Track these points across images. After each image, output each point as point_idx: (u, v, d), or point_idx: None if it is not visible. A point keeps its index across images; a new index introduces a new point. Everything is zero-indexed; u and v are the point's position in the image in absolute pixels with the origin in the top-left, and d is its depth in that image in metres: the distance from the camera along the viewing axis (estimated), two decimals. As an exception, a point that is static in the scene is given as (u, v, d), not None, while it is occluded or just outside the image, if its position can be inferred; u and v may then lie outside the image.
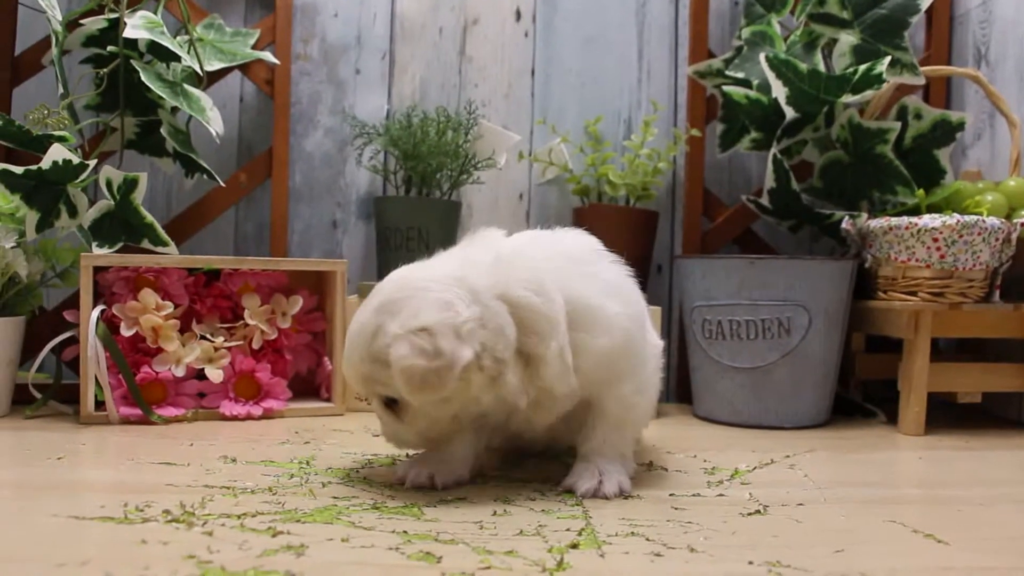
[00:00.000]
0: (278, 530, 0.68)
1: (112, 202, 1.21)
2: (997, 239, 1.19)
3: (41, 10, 1.18)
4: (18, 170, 1.12)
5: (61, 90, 1.20)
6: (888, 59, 1.25)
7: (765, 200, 1.40)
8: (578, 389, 0.80)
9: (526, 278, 0.77)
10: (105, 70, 1.24)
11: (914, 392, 1.18)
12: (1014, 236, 1.20)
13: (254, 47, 1.38)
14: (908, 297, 1.22)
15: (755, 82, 1.36)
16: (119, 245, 1.21)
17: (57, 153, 1.11)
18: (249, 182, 1.43)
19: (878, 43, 1.33)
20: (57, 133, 1.16)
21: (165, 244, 1.24)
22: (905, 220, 1.19)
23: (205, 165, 1.29)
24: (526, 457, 0.98)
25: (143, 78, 1.17)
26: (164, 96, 1.19)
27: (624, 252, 0.89)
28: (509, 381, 0.76)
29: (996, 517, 0.79)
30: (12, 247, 1.14)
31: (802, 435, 1.18)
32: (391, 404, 0.80)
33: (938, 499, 0.85)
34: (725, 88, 1.36)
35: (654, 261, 1.55)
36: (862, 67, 1.25)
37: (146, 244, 1.23)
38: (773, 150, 1.34)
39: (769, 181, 1.36)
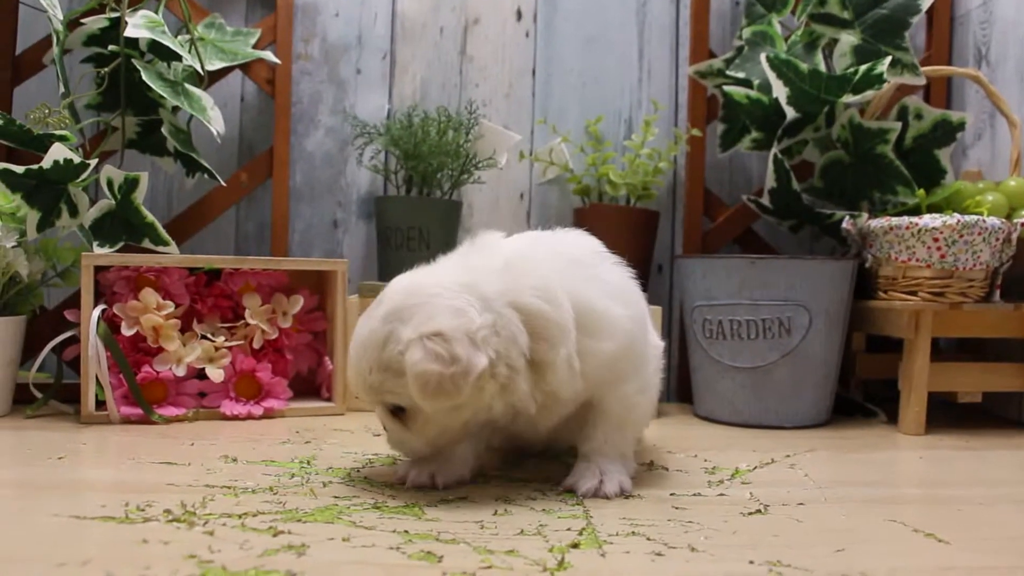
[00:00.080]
0: (279, 530, 0.68)
1: (113, 201, 1.21)
2: (997, 239, 1.19)
3: (42, 9, 1.18)
4: (19, 169, 1.12)
5: (62, 89, 1.21)
6: (889, 59, 1.25)
7: (766, 200, 1.40)
8: (583, 392, 0.81)
9: (534, 284, 0.77)
10: (106, 69, 1.24)
11: (914, 392, 1.18)
12: (1014, 236, 1.20)
13: (255, 46, 1.38)
14: (908, 297, 1.22)
15: (756, 82, 1.36)
16: (120, 244, 1.21)
17: (58, 152, 1.12)
18: (250, 182, 1.43)
19: (879, 43, 1.33)
20: (58, 132, 1.16)
21: (166, 243, 1.24)
22: (906, 220, 1.19)
23: (206, 164, 1.29)
24: (527, 457, 0.98)
25: (144, 77, 1.17)
26: (165, 95, 1.19)
27: (625, 252, 0.89)
28: (520, 388, 0.76)
29: (996, 517, 0.79)
30: (13, 246, 1.14)
31: (803, 435, 1.18)
32: (398, 412, 0.79)
33: (938, 499, 0.85)
34: (726, 88, 1.36)
35: (655, 261, 1.55)
36: (863, 67, 1.25)
37: (147, 244, 1.23)
38: (774, 150, 1.34)
39: (770, 181, 1.36)
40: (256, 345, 1.23)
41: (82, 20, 1.25)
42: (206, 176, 1.30)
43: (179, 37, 1.27)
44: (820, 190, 1.40)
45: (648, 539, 0.68)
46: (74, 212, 1.19)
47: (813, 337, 1.21)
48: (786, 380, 1.22)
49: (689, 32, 1.52)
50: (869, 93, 1.26)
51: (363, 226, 1.52)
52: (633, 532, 0.70)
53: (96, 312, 1.12)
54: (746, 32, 1.42)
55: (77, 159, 1.13)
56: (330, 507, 0.75)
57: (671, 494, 0.83)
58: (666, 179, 1.55)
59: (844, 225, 1.28)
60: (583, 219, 1.43)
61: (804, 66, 1.27)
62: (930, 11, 1.51)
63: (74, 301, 1.27)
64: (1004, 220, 1.19)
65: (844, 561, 0.64)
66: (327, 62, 1.51)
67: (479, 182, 1.45)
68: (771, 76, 1.29)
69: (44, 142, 1.14)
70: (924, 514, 0.78)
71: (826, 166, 1.39)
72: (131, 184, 1.21)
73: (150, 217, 1.23)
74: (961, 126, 1.35)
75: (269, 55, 1.37)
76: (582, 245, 0.87)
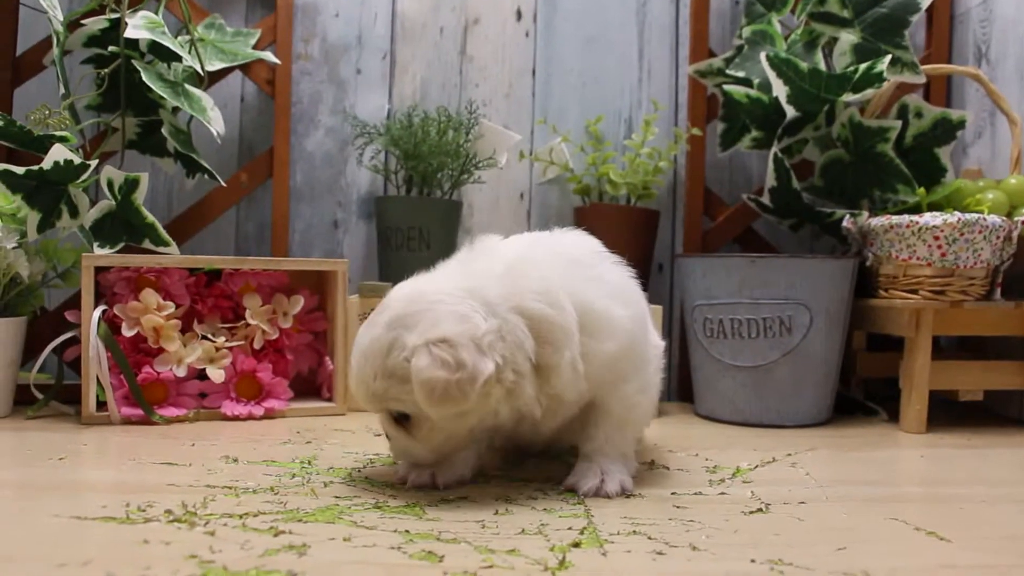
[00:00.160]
0: (280, 530, 0.68)
1: (113, 202, 1.21)
2: (998, 237, 1.19)
3: (42, 10, 1.18)
4: (19, 170, 1.12)
5: (62, 90, 1.21)
6: (889, 58, 1.25)
7: (766, 199, 1.40)
8: (585, 393, 0.81)
9: (537, 288, 0.77)
10: (106, 70, 1.24)
11: (915, 390, 1.18)
12: (1015, 234, 1.20)
13: (255, 47, 1.38)
14: (909, 295, 1.22)
15: (756, 81, 1.36)
16: (120, 245, 1.21)
17: (58, 153, 1.12)
18: (250, 182, 1.43)
19: (879, 42, 1.33)
20: (58, 133, 1.16)
21: (166, 244, 1.24)
22: (906, 218, 1.19)
23: (206, 165, 1.29)
24: (527, 456, 0.98)
25: (144, 78, 1.17)
26: (165, 96, 1.19)
27: (625, 252, 0.89)
28: (526, 392, 0.76)
29: (997, 515, 0.78)
30: (13, 247, 1.14)
31: (804, 433, 1.18)
32: (402, 420, 0.79)
33: (940, 497, 0.85)
34: (726, 87, 1.36)
35: (655, 260, 1.55)
36: (863, 66, 1.25)
37: (147, 244, 1.23)
38: (774, 149, 1.34)
39: (770, 180, 1.36)
40: (257, 345, 1.23)
41: (82, 21, 1.25)
42: (206, 177, 1.30)
43: (179, 38, 1.27)
44: (820, 189, 1.40)
45: (649, 538, 0.68)
46: (74, 213, 1.19)
47: (814, 336, 1.21)
48: (787, 379, 1.22)
49: (689, 31, 1.52)
50: (869, 92, 1.25)
51: (363, 226, 1.52)
52: (634, 531, 0.70)
53: (97, 313, 1.13)
54: (746, 31, 1.42)
55: (77, 160, 1.13)
56: (331, 507, 0.75)
57: (672, 493, 0.83)
58: (666, 178, 1.55)
59: (844, 224, 1.28)
60: (583, 219, 1.43)
61: (804, 65, 1.27)
62: (930, 9, 1.51)
63: (75, 302, 1.27)
64: (1005, 218, 1.19)
65: (845, 560, 0.64)
66: (327, 62, 1.51)
67: (479, 182, 1.45)
68: (771, 75, 1.29)
69: (44, 143, 1.14)
70: (925, 513, 0.78)
71: (826, 165, 1.39)
72: (131, 185, 1.21)
73: (150, 218, 1.23)
74: (961, 124, 1.35)
75: (269, 55, 1.37)
76: (581, 245, 0.87)
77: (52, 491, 0.79)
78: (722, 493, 0.84)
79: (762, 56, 1.30)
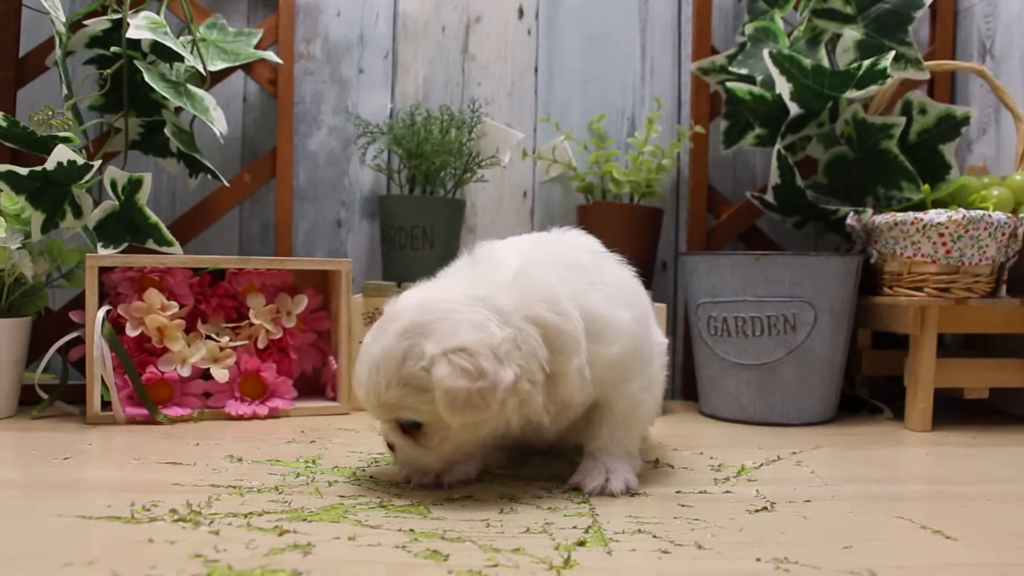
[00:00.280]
0: (285, 529, 0.68)
1: (117, 202, 1.21)
2: (1003, 234, 1.18)
3: (45, 11, 1.19)
4: (23, 171, 1.13)
5: (65, 91, 1.21)
6: (892, 54, 1.25)
7: (770, 196, 1.39)
8: (591, 395, 0.81)
9: (545, 297, 0.77)
10: (109, 71, 1.24)
11: (920, 388, 1.18)
12: (1020, 231, 1.19)
13: (257, 47, 1.38)
14: (914, 293, 1.21)
15: (759, 78, 1.36)
16: (124, 245, 1.21)
17: (62, 154, 1.12)
18: (253, 182, 1.43)
19: (882, 38, 1.32)
20: (61, 134, 1.17)
21: (170, 244, 1.24)
22: (910, 215, 1.19)
23: (209, 165, 1.29)
24: (532, 455, 0.97)
25: (147, 78, 1.17)
26: (168, 96, 1.19)
27: (628, 250, 0.89)
28: (536, 400, 0.76)
29: (1003, 513, 0.78)
30: (18, 248, 1.14)
31: (808, 432, 1.18)
32: (409, 430, 0.78)
33: (945, 495, 0.85)
34: (729, 84, 1.36)
35: (659, 258, 1.54)
36: (866, 62, 1.25)
37: (151, 244, 1.24)
38: (777, 146, 1.33)
39: (774, 177, 1.36)
40: (260, 345, 1.23)
41: (84, 22, 1.25)
42: (209, 177, 1.30)
43: (181, 38, 1.27)
44: (824, 186, 1.40)
45: (654, 537, 0.68)
46: (78, 213, 1.19)
47: (818, 334, 1.21)
48: (791, 377, 1.22)
49: (691, 29, 1.51)
50: (873, 88, 1.25)
51: (367, 225, 1.52)
52: (639, 530, 0.70)
53: (101, 313, 1.13)
54: (749, 28, 1.41)
55: (81, 160, 1.13)
56: (335, 506, 0.75)
57: (677, 492, 0.83)
58: (669, 176, 1.54)
59: (849, 221, 1.27)
60: (586, 217, 1.43)
61: (807, 62, 1.27)
62: (934, 5, 1.50)
63: (79, 302, 1.27)
64: (1010, 215, 1.19)
65: (851, 558, 0.64)
66: (329, 62, 1.51)
67: (482, 180, 1.45)
68: (774, 72, 1.28)
69: (48, 144, 1.15)
70: (931, 511, 0.78)
71: (830, 162, 1.38)
72: (135, 185, 1.21)
73: (154, 218, 1.23)
74: (965, 121, 1.34)
75: (271, 55, 1.37)
76: (581, 246, 0.87)
77: (57, 491, 0.79)
78: (727, 492, 0.84)
79: (765, 53, 1.29)
